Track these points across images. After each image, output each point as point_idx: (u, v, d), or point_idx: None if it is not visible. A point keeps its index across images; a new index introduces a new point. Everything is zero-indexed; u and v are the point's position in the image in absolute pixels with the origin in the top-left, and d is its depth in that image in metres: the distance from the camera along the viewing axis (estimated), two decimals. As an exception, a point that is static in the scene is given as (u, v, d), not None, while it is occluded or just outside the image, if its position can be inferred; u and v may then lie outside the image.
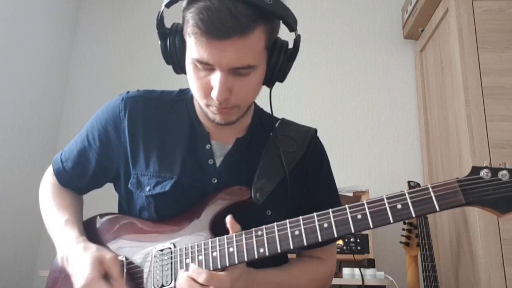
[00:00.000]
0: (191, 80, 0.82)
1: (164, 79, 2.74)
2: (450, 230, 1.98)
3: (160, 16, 0.83)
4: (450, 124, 1.99)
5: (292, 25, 0.80)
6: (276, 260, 0.90)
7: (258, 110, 1.00)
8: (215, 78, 0.76)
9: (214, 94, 0.77)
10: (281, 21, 0.81)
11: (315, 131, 1.00)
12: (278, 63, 0.83)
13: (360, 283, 1.75)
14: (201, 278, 0.71)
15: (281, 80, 0.87)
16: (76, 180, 0.98)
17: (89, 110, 2.60)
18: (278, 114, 1.01)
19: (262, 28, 0.76)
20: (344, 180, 2.23)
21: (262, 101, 0.97)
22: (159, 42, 0.85)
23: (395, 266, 2.13)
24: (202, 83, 0.79)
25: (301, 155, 0.93)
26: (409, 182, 2.00)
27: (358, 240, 1.95)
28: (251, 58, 0.76)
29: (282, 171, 0.89)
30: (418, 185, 1.99)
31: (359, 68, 2.57)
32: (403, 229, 1.92)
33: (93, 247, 0.82)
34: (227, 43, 0.72)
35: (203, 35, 0.72)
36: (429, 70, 2.34)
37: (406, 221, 1.93)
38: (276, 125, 0.96)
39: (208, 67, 0.77)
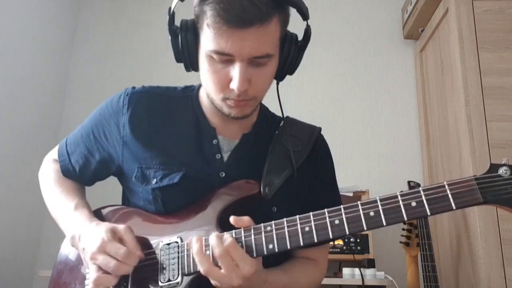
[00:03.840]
0: (206, 75, 0.80)
1: (164, 79, 2.74)
2: (450, 230, 1.98)
3: (172, 11, 0.83)
4: (450, 124, 1.99)
5: (306, 14, 0.81)
6: (277, 257, 0.89)
7: (263, 108, 1.00)
8: (235, 69, 0.76)
9: (234, 85, 0.76)
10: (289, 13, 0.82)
11: (320, 130, 1.00)
12: (290, 54, 0.84)
13: (360, 283, 1.75)
14: (236, 253, 0.71)
15: (291, 72, 0.88)
16: (80, 174, 0.98)
17: (89, 109, 2.59)
18: (278, 114, 1.01)
19: (278, 17, 0.77)
20: (344, 180, 2.22)
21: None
22: (170, 38, 0.84)
23: (395, 266, 2.12)
24: (220, 76, 0.78)
25: (307, 154, 0.93)
26: (409, 182, 2.00)
27: (358, 240, 1.95)
28: (270, 46, 0.77)
29: (289, 168, 0.89)
30: (418, 185, 1.99)
31: (359, 68, 2.57)
32: (403, 229, 1.91)
33: (106, 223, 0.83)
34: (248, 31, 0.73)
35: (225, 24, 0.72)
36: (429, 70, 2.34)
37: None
38: (281, 124, 0.96)
39: (226, 58, 0.76)
